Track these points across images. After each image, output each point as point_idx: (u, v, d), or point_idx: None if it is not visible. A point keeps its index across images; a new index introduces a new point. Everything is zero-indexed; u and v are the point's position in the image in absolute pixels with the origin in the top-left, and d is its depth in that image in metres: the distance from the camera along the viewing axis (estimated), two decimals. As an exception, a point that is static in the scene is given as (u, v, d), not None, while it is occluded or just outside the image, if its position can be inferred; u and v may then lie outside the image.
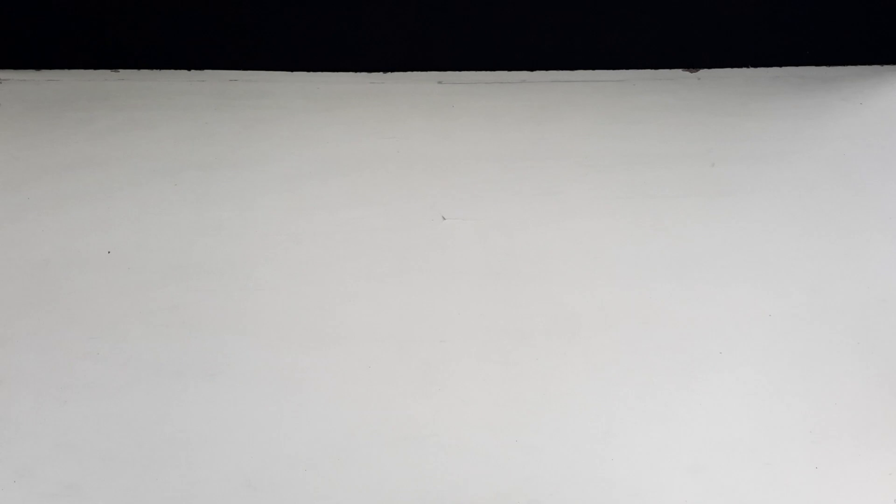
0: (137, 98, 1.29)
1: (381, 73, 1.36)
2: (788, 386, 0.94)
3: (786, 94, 1.30)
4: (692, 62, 1.37)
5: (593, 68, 1.36)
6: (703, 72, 1.35)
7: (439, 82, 1.33)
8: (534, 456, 0.88)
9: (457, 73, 1.35)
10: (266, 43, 1.35)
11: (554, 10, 1.31)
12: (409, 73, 1.36)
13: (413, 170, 1.18)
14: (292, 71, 1.36)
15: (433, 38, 1.35)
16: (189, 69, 1.36)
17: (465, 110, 1.28)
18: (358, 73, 1.35)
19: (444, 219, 1.12)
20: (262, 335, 0.99)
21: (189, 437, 0.90)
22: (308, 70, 1.36)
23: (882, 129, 1.23)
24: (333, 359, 0.96)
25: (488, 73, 1.36)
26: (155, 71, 1.35)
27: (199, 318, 1.01)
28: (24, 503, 0.85)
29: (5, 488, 0.86)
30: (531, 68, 1.36)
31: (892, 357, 0.96)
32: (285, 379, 0.95)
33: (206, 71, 1.35)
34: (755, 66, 1.37)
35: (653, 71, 1.36)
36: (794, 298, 1.02)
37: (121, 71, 1.35)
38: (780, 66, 1.37)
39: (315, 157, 1.19)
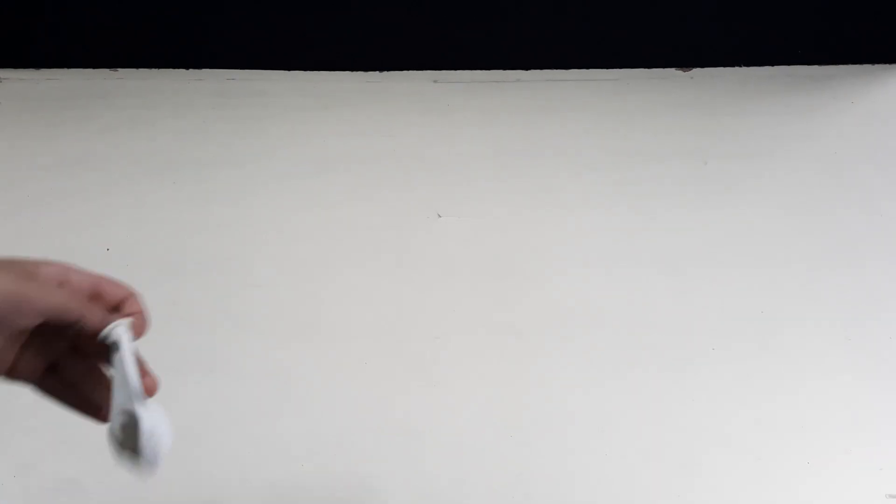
0: (136, 97, 1.29)
1: (377, 73, 1.36)
2: (780, 382, 0.94)
3: (778, 93, 1.30)
4: (685, 61, 1.37)
5: (587, 67, 1.37)
6: (696, 71, 1.36)
7: (434, 81, 1.34)
8: (528, 451, 0.88)
9: (452, 72, 1.36)
10: (264, 42, 1.36)
11: (548, 10, 1.31)
12: (404, 72, 1.36)
13: (409, 168, 1.18)
14: (290, 70, 1.36)
15: (428, 37, 1.35)
16: (187, 68, 1.36)
17: (461, 109, 1.28)
18: (354, 73, 1.36)
19: (439, 216, 1.12)
20: (260, 331, 0.99)
21: (186, 433, 0.90)
22: (305, 69, 1.36)
23: (873, 127, 1.23)
24: (330, 355, 0.96)
25: (483, 72, 1.36)
26: (153, 70, 1.36)
27: (197, 314, 1.01)
28: (25, 498, 0.85)
29: (5, 483, 0.86)
30: (525, 67, 1.37)
31: (882, 353, 0.96)
32: (282, 375, 0.95)
33: (204, 70, 1.36)
34: (747, 65, 1.37)
35: (646, 70, 1.36)
36: (786, 295, 1.02)
37: (119, 70, 1.35)
38: (772, 65, 1.37)
39: (312, 155, 1.20)
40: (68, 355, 0.51)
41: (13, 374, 0.49)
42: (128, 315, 0.51)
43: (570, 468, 0.87)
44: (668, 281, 1.04)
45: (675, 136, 1.23)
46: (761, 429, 0.90)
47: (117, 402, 0.51)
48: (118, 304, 0.52)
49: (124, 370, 0.50)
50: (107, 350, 0.50)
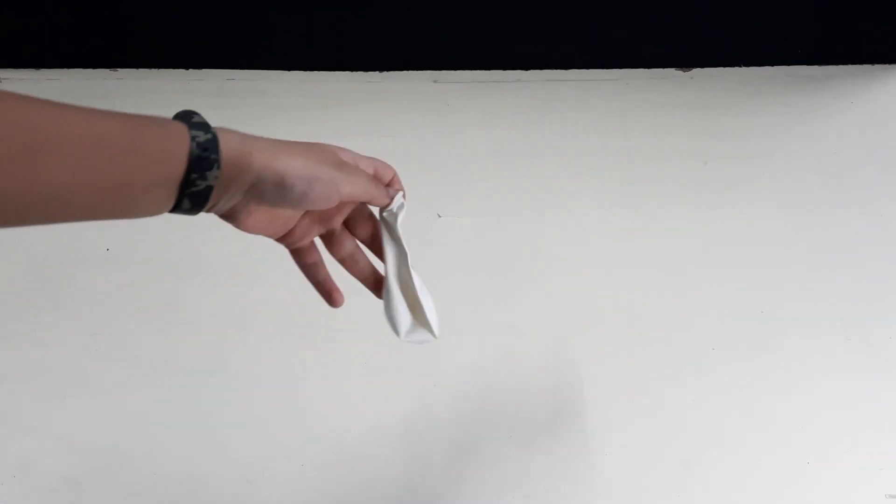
0: (136, 97, 1.29)
1: (377, 73, 1.36)
2: (780, 382, 0.94)
3: (778, 93, 1.30)
4: (685, 61, 1.37)
5: (587, 67, 1.36)
6: (696, 71, 1.36)
7: (434, 81, 1.34)
8: (528, 451, 0.88)
9: (452, 72, 1.36)
10: (264, 42, 1.35)
11: (548, 10, 1.31)
12: (404, 72, 1.36)
13: (409, 167, 1.17)
14: (290, 70, 1.36)
15: (429, 38, 1.35)
16: (187, 68, 1.36)
17: (461, 109, 1.28)
18: (354, 73, 1.36)
19: (439, 216, 1.12)
20: (260, 331, 0.99)
21: (187, 433, 0.90)
22: (305, 69, 1.36)
23: (873, 127, 1.23)
24: (330, 355, 0.96)
25: (483, 72, 1.36)
26: (153, 70, 1.36)
27: (198, 314, 1.01)
28: (24, 498, 0.85)
29: (5, 483, 0.86)
30: (525, 67, 1.37)
31: (882, 353, 0.96)
32: (283, 375, 0.95)
33: (204, 70, 1.36)
34: (747, 65, 1.37)
35: (646, 70, 1.36)
36: (786, 295, 1.02)
37: (119, 70, 1.35)
38: (772, 65, 1.37)
39: (312, 156, 1.20)
40: (339, 231, 0.58)
41: (286, 238, 0.56)
42: (397, 190, 0.57)
43: (570, 468, 0.87)
44: (668, 281, 1.04)
45: (675, 136, 1.23)
46: (761, 429, 0.90)
47: (392, 268, 0.59)
48: (388, 183, 0.57)
49: (400, 235, 0.57)
50: (376, 225, 0.58)
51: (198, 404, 0.92)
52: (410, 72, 1.36)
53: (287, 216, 0.53)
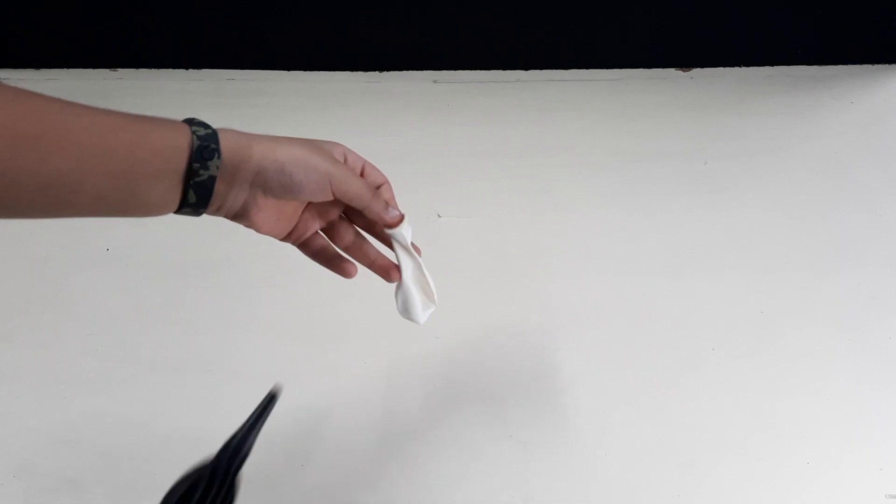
0: (136, 97, 1.29)
1: (377, 73, 1.36)
2: (780, 382, 0.94)
3: (777, 93, 1.30)
4: (685, 61, 1.37)
5: (587, 67, 1.37)
6: (696, 71, 1.36)
7: (434, 81, 1.34)
8: (527, 451, 0.88)
9: (452, 72, 1.36)
10: (263, 43, 1.35)
11: (548, 10, 1.31)
12: (404, 72, 1.36)
13: (409, 168, 1.18)
14: (289, 70, 1.36)
15: (429, 37, 1.35)
16: (187, 68, 1.36)
17: (461, 109, 1.28)
18: (354, 73, 1.36)
19: (439, 216, 1.12)
20: (260, 331, 0.99)
21: (187, 433, 0.90)
22: (305, 69, 1.36)
23: (872, 127, 1.23)
24: (330, 355, 0.96)
25: (483, 72, 1.36)
26: (153, 70, 1.36)
27: (197, 314, 1.01)
28: (24, 498, 0.85)
29: (5, 483, 0.86)
30: (525, 67, 1.37)
31: (882, 353, 0.96)
32: (282, 374, 0.94)
33: (203, 70, 1.36)
34: (747, 65, 1.38)
35: (646, 70, 1.36)
36: (786, 295, 1.02)
37: (119, 70, 1.35)
38: (772, 65, 1.37)
39: (312, 156, 1.20)
40: (338, 221, 0.60)
41: (291, 235, 0.56)
42: (401, 215, 0.58)
43: (570, 468, 0.87)
44: (668, 281, 1.04)
45: (675, 136, 1.23)
46: (761, 429, 0.90)
47: (410, 275, 0.62)
48: (377, 187, 0.57)
49: (410, 255, 0.61)
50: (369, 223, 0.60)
51: (197, 403, 0.92)
52: (410, 72, 1.36)
53: (291, 212, 0.54)
